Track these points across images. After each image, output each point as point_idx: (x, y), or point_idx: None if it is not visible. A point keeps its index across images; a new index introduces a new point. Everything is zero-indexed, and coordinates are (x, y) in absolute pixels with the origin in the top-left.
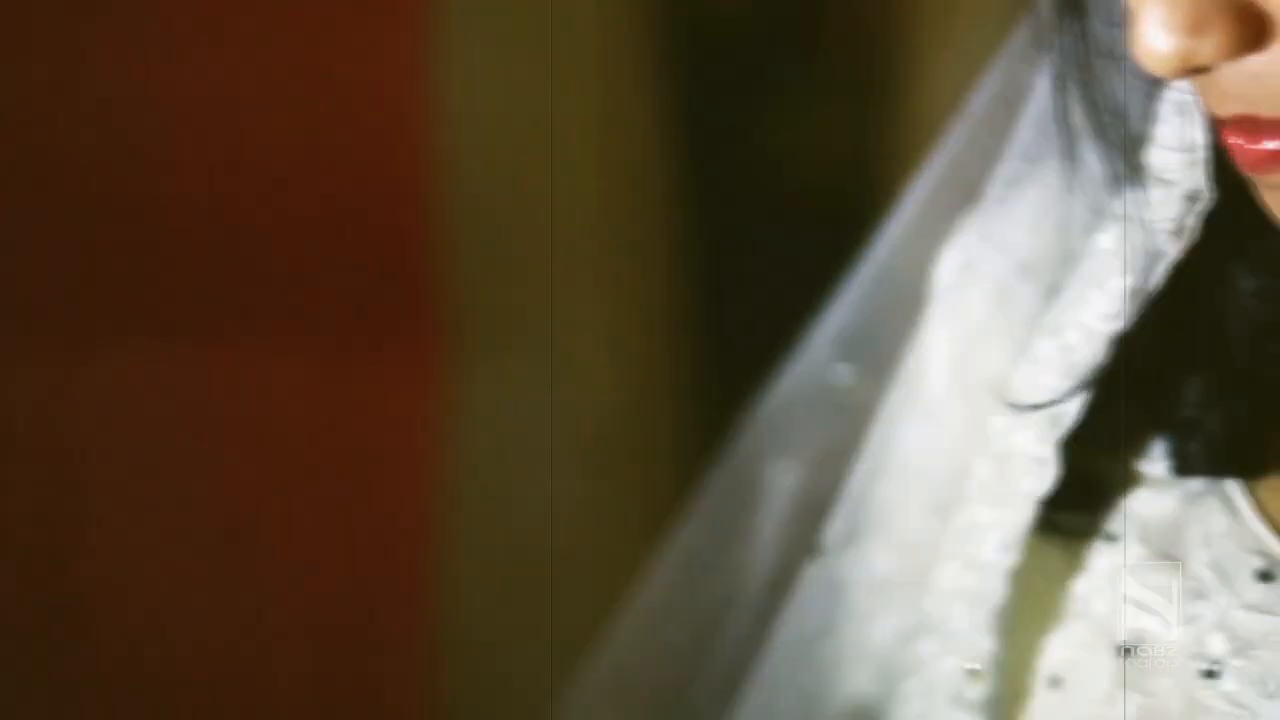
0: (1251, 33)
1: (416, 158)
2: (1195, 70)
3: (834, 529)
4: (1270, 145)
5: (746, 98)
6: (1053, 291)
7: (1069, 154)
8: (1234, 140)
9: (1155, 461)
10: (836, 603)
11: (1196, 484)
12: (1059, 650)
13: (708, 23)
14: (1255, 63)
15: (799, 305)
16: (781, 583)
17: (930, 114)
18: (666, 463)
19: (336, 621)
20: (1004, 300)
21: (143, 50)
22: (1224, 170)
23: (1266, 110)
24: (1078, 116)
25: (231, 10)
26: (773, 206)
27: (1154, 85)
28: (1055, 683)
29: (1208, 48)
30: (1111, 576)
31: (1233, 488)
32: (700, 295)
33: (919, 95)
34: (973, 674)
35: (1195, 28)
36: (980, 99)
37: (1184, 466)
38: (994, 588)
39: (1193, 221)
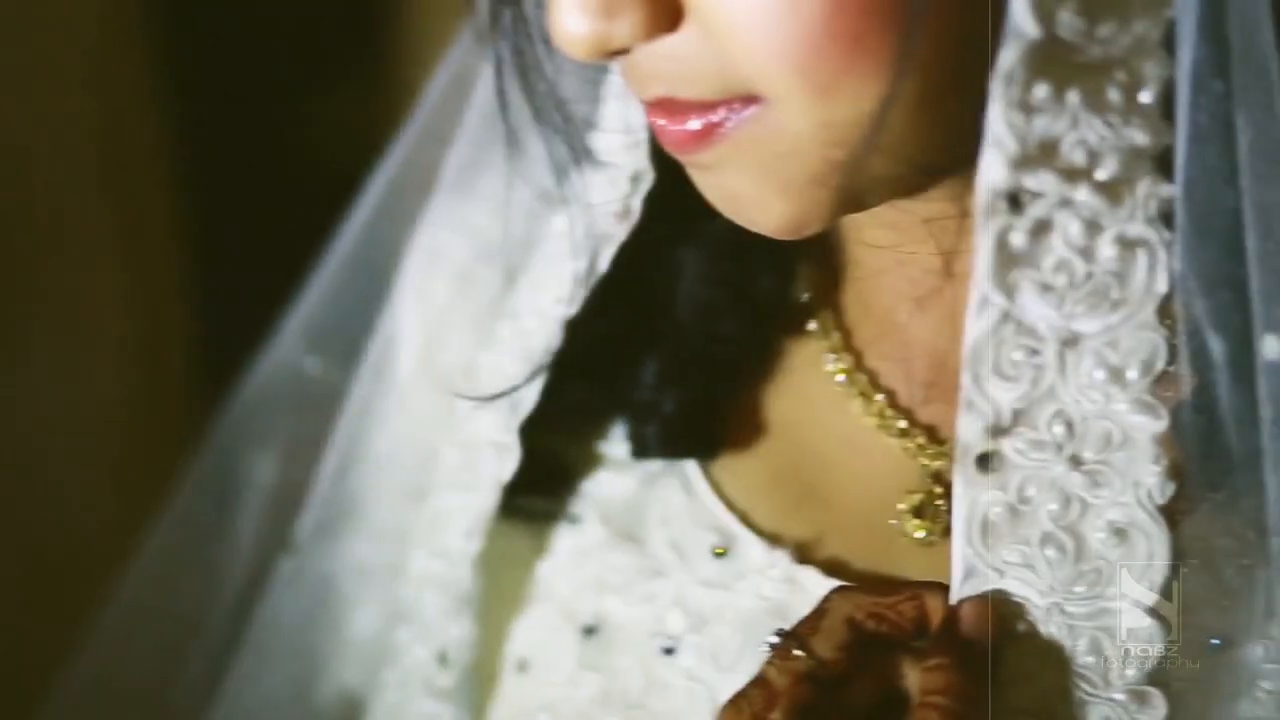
0: (664, 15)
1: None
2: (614, 53)
3: (309, 521)
4: (692, 125)
5: (254, 88)
6: (513, 276)
7: (512, 139)
8: (657, 121)
9: (615, 443)
10: (317, 595)
11: (655, 465)
12: (526, 634)
13: (212, 10)
14: (670, 44)
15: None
16: (259, 578)
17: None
18: (173, 455)
19: None
20: (467, 285)
21: None
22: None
23: (684, 91)
24: (517, 101)
25: None
26: (281, 193)
27: (598, 69)
28: (522, 666)
29: (622, 30)
30: (574, 558)
31: (690, 467)
32: (207, 284)
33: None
34: (443, 662)
35: (608, 11)
36: (436, 86)
37: (642, 448)
38: (461, 574)
39: (637, 203)
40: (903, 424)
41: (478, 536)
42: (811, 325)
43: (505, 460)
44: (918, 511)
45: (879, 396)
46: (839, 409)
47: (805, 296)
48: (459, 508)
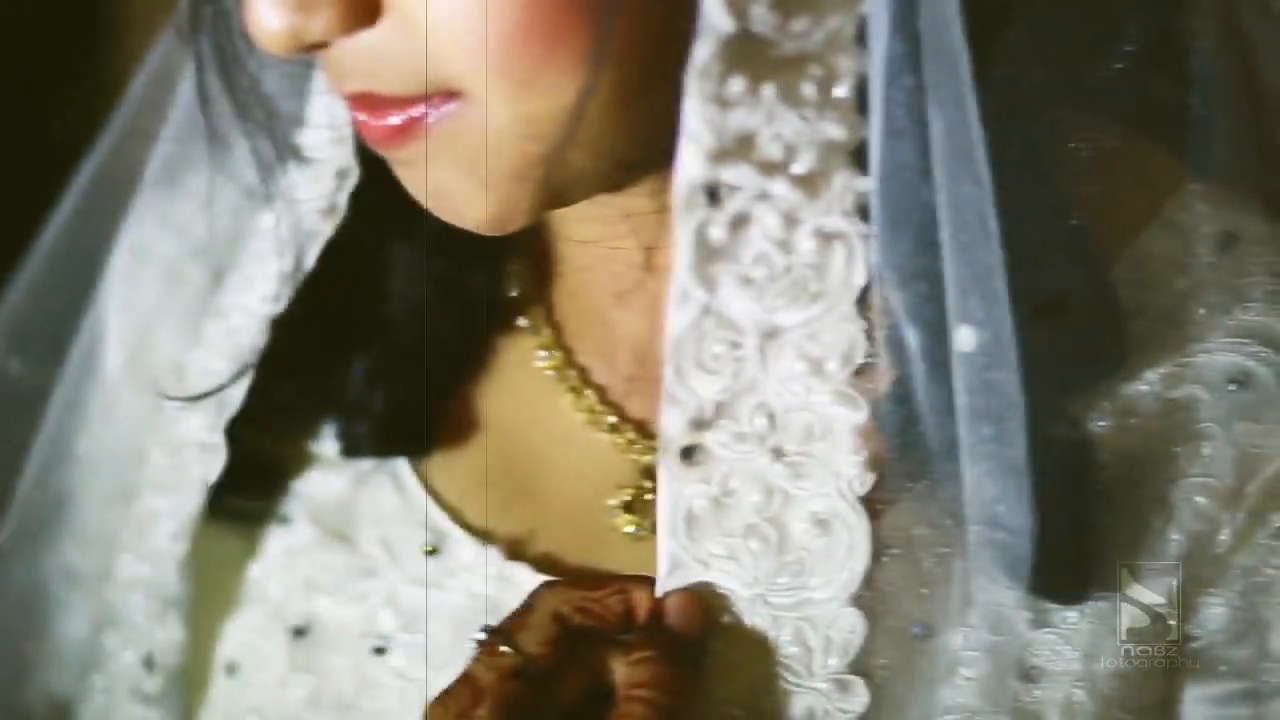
0: (361, 10)
1: None
2: (312, 47)
3: (12, 525)
4: (393, 121)
5: None
6: (222, 274)
7: (215, 136)
8: (359, 116)
9: (326, 442)
10: (22, 600)
11: (366, 463)
12: (235, 636)
13: None
14: (368, 39)
15: None
16: None
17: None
18: None
19: None
20: (175, 283)
21: None
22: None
23: (384, 86)
24: (219, 96)
25: None
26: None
27: (303, 64)
28: (232, 669)
29: (318, 24)
30: (284, 559)
31: (401, 465)
32: None
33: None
34: (150, 666)
35: (303, 5)
36: (139, 82)
37: (352, 447)
38: (168, 577)
39: (344, 199)
40: (613, 419)
41: (184, 539)
42: (522, 321)
43: (212, 461)
44: (629, 507)
45: (589, 392)
46: (550, 405)
47: (515, 293)
48: (166, 510)
